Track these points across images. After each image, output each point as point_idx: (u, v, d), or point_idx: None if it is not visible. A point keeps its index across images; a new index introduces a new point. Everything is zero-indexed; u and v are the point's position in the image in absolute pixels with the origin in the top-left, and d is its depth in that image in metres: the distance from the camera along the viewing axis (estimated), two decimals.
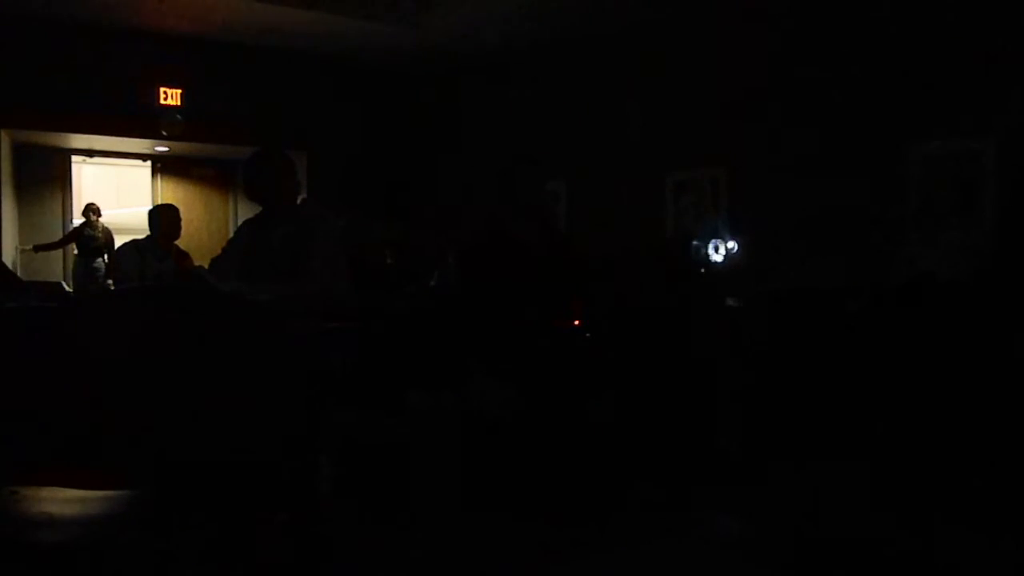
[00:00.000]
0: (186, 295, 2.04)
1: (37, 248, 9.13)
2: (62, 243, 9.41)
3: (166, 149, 9.61)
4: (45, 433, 1.64)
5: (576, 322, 3.85)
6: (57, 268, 9.54)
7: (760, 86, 7.18)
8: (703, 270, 6.66)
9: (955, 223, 6.05)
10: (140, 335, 1.68)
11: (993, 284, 3.83)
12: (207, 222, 10.15)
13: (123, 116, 8.42)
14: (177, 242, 5.77)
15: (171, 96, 8.50)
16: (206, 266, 4.21)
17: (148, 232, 5.68)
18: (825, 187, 6.82)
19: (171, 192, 9.91)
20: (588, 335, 3.87)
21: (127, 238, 6.60)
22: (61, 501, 1.77)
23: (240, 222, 5.26)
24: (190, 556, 1.67)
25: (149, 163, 10.08)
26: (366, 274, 5.58)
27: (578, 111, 8.54)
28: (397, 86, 9.74)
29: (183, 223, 6.07)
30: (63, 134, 8.93)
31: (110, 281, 6.27)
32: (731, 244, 6.82)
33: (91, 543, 1.67)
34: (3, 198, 8.43)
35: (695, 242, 6.87)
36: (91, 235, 9.36)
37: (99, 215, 9.54)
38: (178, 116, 8.50)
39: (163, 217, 5.66)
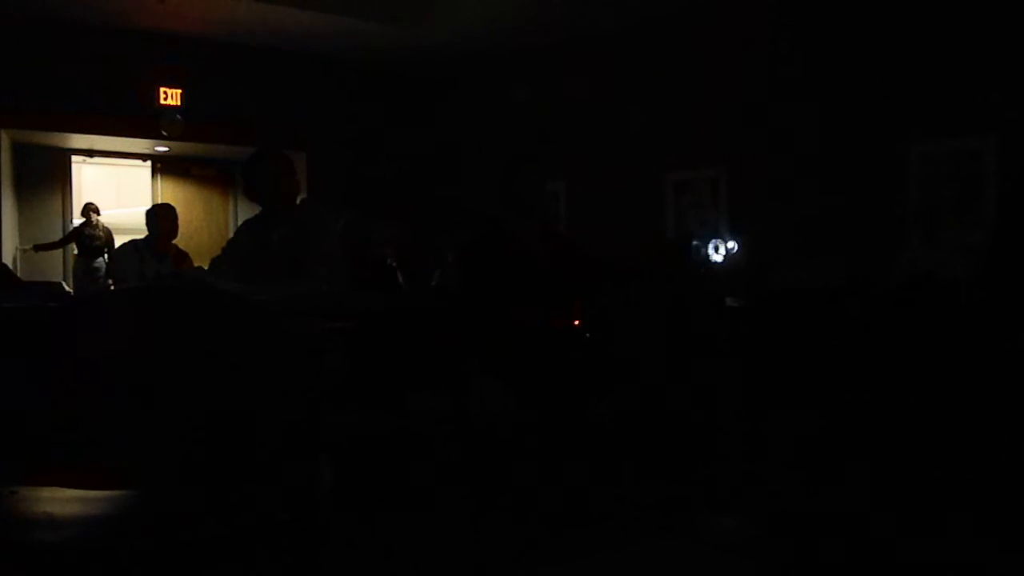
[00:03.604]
0: (185, 295, 2.04)
1: (37, 248, 9.13)
2: (62, 243, 9.41)
3: (166, 149, 9.61)
4: (45, 433, 1.64)
5: (576, 322, 3.85)
6: (57, 268, 9.54)
7: (760, 86, 7.18)
8: (703, 270, 6.66)
9: (955, 223, 6.05)
10: (140, 335, 1.68)
11: (993, 284, 3.82)
12: (207, 222, 10.14)
13: (123, 116, 8.42)
14: (177, 242, 5.77)
15: (171, 96, 8.50)
16: (206, 266, 4.21)
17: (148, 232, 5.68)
18: (825, 187, 6.83)
19: (171, 192, 9.90)
20: (588, 335, 3.87)
21: (127, 238, 6.60)
22: (61, 501, 1.76)
23: (240, 222, 5.26)
24: (190, 556, 1.66)
25: (149, 163, 10.07)
26: (366, 274, 5.58)
27: (578, 111, 8.54)
28: (397, 86, 9.74)
29: (182, 223, 6.07)
30: (63, 134, 8.93)
31: (110, 281, 6.27)
32: (731, 244, 6.81)
33: (91, 543, 1.67)
34: (3, 198, 8.43)
35: (695, 242, 6.87)
36: (91, 235, 9.36)
37: (99, 214, 9.54)
38: (178, 116, 8.50)
39: (160, 217, 5.66)
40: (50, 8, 7.56)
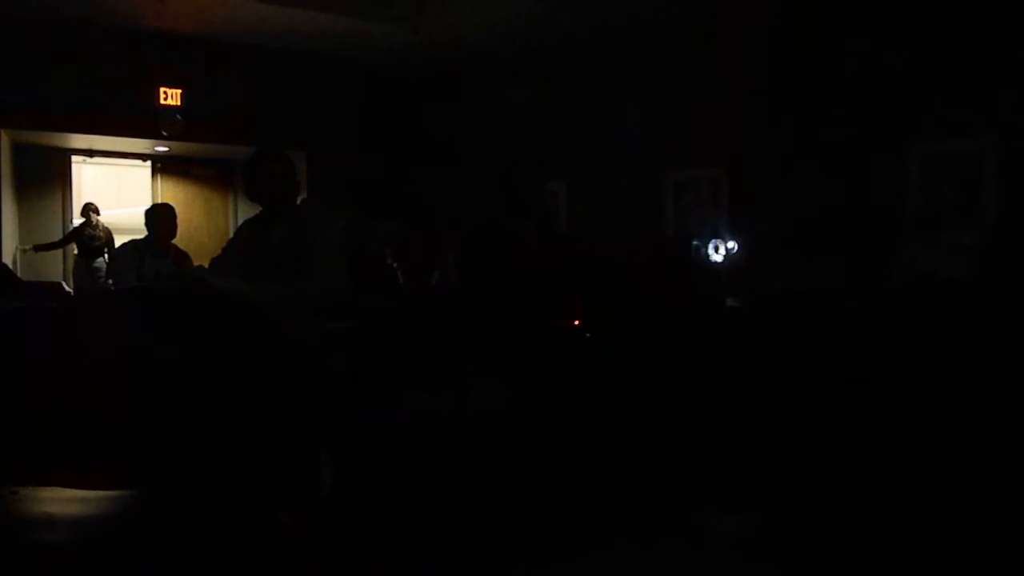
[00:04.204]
0: (186, 295, 2.04)
1: (37, 248, 9.12)
2: (62, 243, 9.41)
3: (166, 149, 9.61)
4: (45, 433, 1.64)
5: (576, 322, 3.85)
6: (57, 268, 9.54)
7: (760, 86, 7.18)
8: (703, 270, 6.66)
9: (955, 223, 6.05)
10: (140, 335, 1.68)
11: (993, 284, 3.82)
12: (207, 222, 10.14)
13: (123, 116, 8.41)
14: (177, 242, 5.77)
15: (171, 96, 8.49)
16: (206, 266, 4.21)
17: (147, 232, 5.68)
18: (825, 187, 6.82)
19: (171, 192, 9.90)
20: (588, 335, 3.87)
21: (127, 238, 6.60)
22: (61, 501, 1.77)
23: (240, 222, 5.26)
24: (190, 556, 1.67)
25: (149, 163, 10.07)
26: (366, 274, 5.58)
27: (578, 111, 8.54)
28: (396, 86, 9.74)
29: (182, 223, 6.06)
30: (63, 134, 8.93)
31: (110, 281, 6.27)
32: (731, 244, 6.81)
33: (91, 543, 1.67)
34: (3, 198, 8.43)
35: (695, 242, 6.87)
36: (91, 235, 9.35)
37: (99, 214, 9.54)
38: (178, 116, 8.50)
39: (159, 217, 5.66)
40: (50, 8, 7.55)
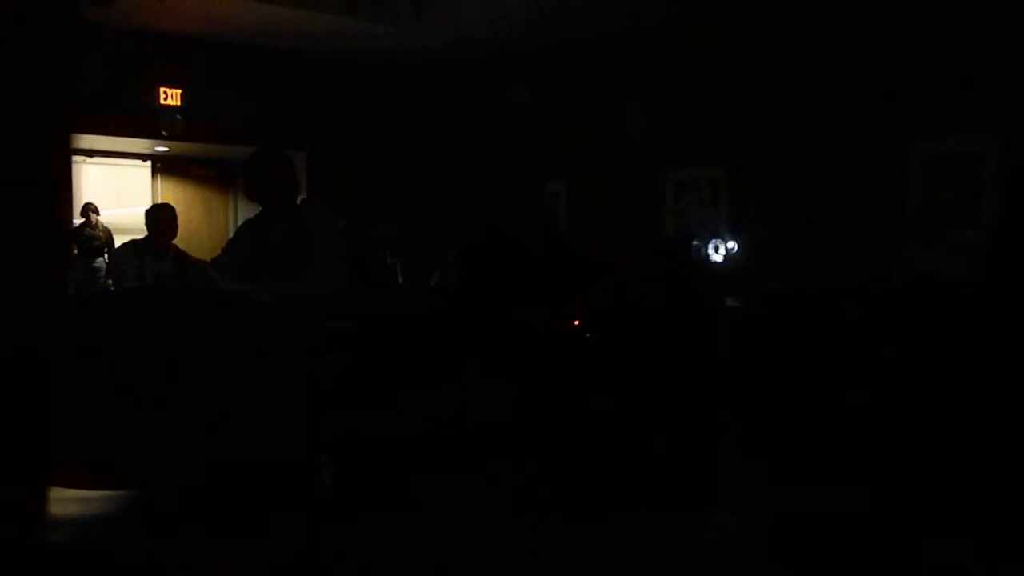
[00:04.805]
0: (186, 295, 2.04)
1: None
2: None
3: (166, 149, 9.60)
4: (45, 433, 1.64)
5: (576, 322, 3.85)
6: None
7: (760, 86, 7.18)
8: (703, 270, 6.66)
9: (955, 223, 6.05)
10: (141, 335, 1.68)
11: (993, 284, 3.82)
12: (207, 222, 10.13)
13: (123, 116, 8.41)
14: (177, 242, 5.77)
15: (171, 96, 8.49)
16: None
17: (147, 232, 5.68)
18: (825, 187, 6.83)
19: (171, 192, 9.89)
20: (588, 335, 3.87)
21: (127, 238, 6.60)
22: (61, 501, 1.77)
23: (240, 222, 5.26)
24: (190, 556, 1.67)
25: (149, 163, 10.07)
26: (366, 274, 5.58)
27: (578, 111, 8.54)
28: (396, 86, 9.74)
29: (182, 223, 6.07)
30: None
31: (110, 281, 6.27)
32: (731, 244, 6.81)
33: (91, 543, 1.67)
34: None
35: (695, 242, 6.87)
36: (91, 235, 9.34)
37: (98, 214, 9.53)
38: (178, 116, 8.50)
39: (159, 217, 5.67)
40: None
